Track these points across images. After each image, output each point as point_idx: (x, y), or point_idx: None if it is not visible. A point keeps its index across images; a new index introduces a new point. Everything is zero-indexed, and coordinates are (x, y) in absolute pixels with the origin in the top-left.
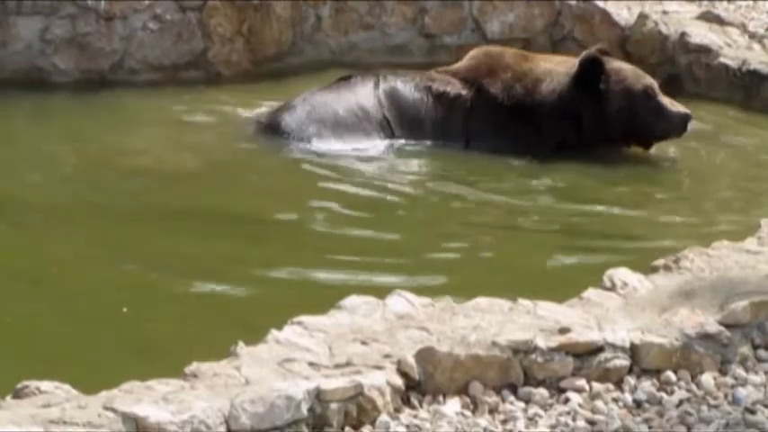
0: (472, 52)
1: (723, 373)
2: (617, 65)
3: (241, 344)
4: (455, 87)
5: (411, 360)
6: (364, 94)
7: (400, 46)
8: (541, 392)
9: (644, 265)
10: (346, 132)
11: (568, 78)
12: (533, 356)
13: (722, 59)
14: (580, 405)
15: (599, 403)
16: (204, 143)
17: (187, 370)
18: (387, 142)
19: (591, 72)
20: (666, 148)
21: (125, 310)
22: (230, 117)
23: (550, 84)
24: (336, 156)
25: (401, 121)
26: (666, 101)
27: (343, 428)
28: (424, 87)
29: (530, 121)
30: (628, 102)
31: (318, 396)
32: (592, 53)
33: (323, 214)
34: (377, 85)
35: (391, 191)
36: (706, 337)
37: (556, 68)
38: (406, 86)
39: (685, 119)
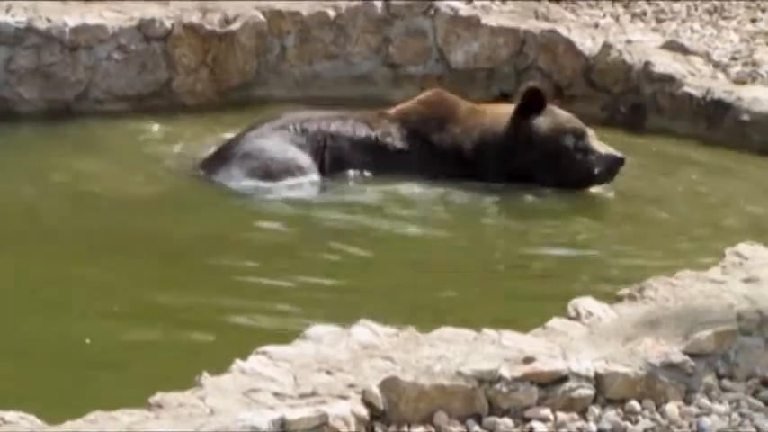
0: (425, 97)
1: (688, 402)
2: (554, 106)
3: (205, 374)
4: (399, 137)
5: (375, 390)
6: (300, 139)
7: (365, 75)
8: (506, 422)
9: (608, 295)
10: (282, 176)
11: (509, 117)
12: (498, 386)
13: (686, 89)
14: None
15: None
16: (158, 175)
17: (152, 400)
18: (321, 186)
19: (535, 102)
20: (636, 180)
21: (88, 341)
22: (183, 150)
23: (493, 128)
24: (271, 199)
25: (338, 167)
26: (597, 144)
27: None
28: (366, 135)
29: (475, 169)
30: (556, 142)
31: (283, 426)
32: (537, 85)
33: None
34: (314, 129)
35: (331, 229)
36: (670, 366)
37: (500, 116)
38: (346, 131)
39: (614, 163)
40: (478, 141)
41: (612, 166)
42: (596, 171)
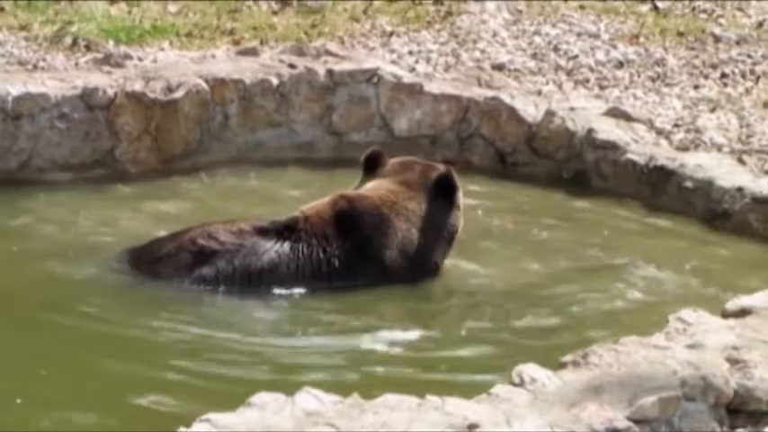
0: (339, 199)
1: None
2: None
3: None
4: (324, 240)
5: None
6: (232, 240)
7: (308, 143)
8: None
9: (552, 361)
10: (206, 277)
11: (425, 202)
12: None
13: (629, 155)
14: None
15: None
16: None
17: None
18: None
19: (451, 183)
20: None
21: (18, 401)
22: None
23: (414, 217)
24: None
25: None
26: None
27: None
28: (292, 240)
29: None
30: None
31: None
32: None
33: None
34: (239, 230)
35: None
36: None
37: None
38: (271, 236)
39: None
40: None
41: None
42: None
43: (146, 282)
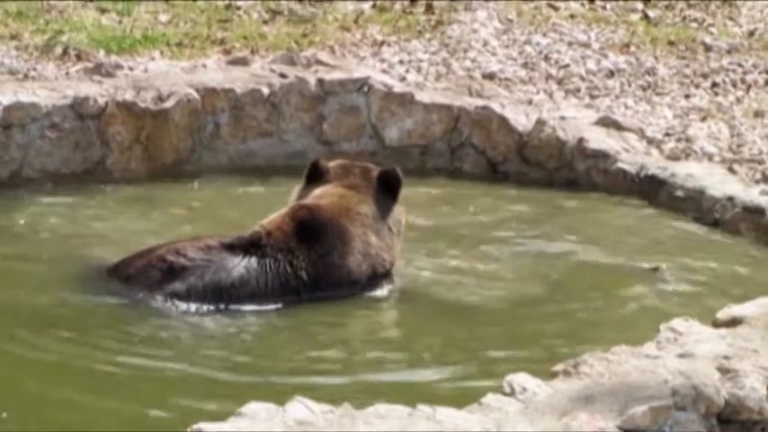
0: (298, 210)
1: None
2: None
3: None
4: (290, 254)
5: None
6: (201, 257)
7: (299, 152)
8: None
9: (543, 371)
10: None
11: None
12: None
13: (620, 164)
14: None
15: None
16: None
17: None
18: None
19: (395, 178)
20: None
21: (4, 414)
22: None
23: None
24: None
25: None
26: None
27: None
28: (258, 255)
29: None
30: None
31: None
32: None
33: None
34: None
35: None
36: None
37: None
38: (238, 252)
39: None
40: None
41: None
42: None
43: (118, 300)
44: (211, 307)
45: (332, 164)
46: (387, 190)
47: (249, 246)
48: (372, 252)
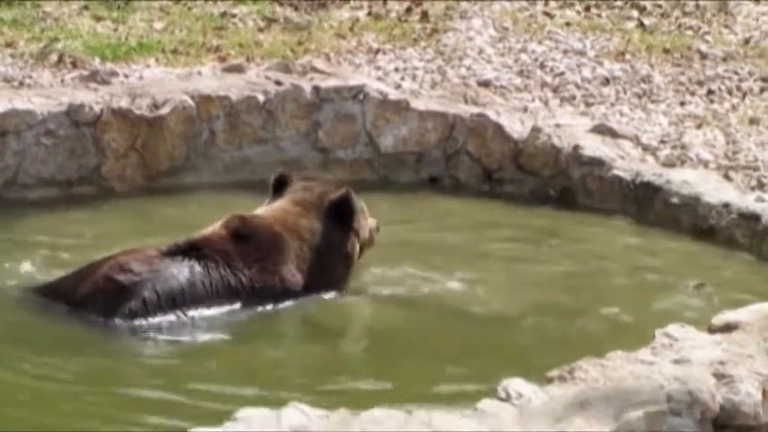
0: (231, 219)
1: None
2: None
3: None
4: (227, 256)
5: None
6: (146, 269)
7: (294, 160)
8: None
9: (539, 376)
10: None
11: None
12: None
13: (615, 172)
14: None
15: None
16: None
17: None
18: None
19: (346, 207)
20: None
21: None
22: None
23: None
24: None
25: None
26: None
27: None
28: (199, 258)
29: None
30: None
31: None
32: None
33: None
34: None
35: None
36: None
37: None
38: (179, 257)
39: None
40: None
41: None
42: None
43: (82, 327)
44: (171, 318)
45: (297, 180)
46: (337, 217)
47: (188, 250)
48: (307, 265)
